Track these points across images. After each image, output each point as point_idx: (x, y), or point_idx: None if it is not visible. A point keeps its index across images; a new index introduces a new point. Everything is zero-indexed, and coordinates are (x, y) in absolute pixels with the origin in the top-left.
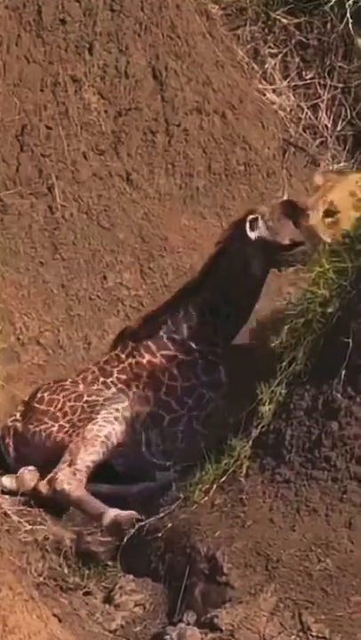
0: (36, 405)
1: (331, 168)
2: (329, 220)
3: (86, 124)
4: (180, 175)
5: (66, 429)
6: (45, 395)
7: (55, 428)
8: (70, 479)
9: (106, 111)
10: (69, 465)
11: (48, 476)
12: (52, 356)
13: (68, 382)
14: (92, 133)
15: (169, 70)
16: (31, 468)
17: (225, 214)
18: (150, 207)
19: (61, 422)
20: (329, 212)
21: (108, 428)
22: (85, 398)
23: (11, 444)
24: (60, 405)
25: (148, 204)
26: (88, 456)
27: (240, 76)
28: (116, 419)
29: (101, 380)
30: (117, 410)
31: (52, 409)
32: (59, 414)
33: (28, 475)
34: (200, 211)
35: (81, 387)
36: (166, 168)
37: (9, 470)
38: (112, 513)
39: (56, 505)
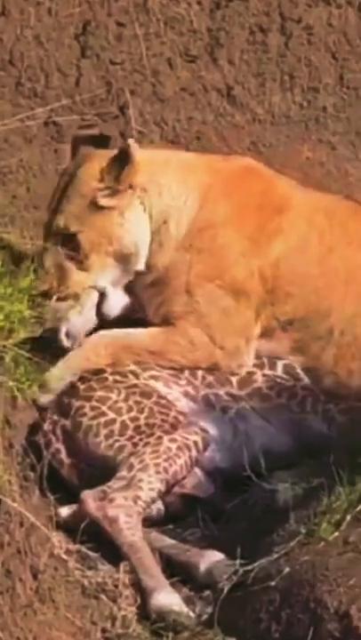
0: (91, 389)
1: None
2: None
3: (172, 19)
4: (300, 90)
5: (129, 434)
6: (108, 375)
7: (117, 426)
8: (130, 510)
9: (199, 2)
10: (129, 488)
11: (100, 489)
12: None
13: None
14: (179, 32)
15: None
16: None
17: None
18: (260, 134)
19: (125, 418)
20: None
21: (183, 458)
22: (155, 399)
23: (62, 449)
24: (123, 395)
25: (256, 129)
26: (156, 484)
27: None
28: (195, 444)
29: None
30: (200, 430)
31: (113, 395)
32: (122, 405)
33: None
34: (328, 139)
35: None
36: (281, 80)
37: (64, 484)
38: (166, 599)
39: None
